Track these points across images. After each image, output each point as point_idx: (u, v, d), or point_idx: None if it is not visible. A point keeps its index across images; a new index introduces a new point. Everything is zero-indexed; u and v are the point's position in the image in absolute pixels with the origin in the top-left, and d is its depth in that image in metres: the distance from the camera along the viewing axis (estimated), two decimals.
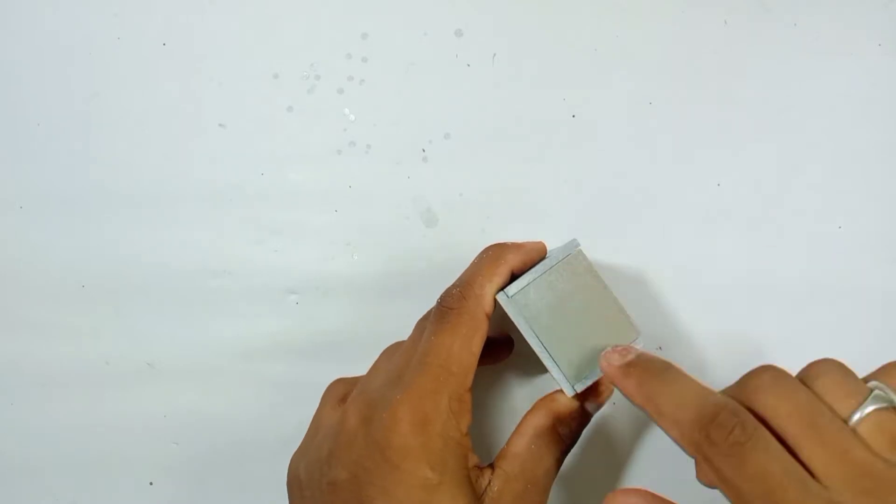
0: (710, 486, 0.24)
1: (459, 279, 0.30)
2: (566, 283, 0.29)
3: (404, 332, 0.32)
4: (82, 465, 0.37)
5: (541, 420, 0.30)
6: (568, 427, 0.30)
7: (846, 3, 0.38)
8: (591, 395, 0.31)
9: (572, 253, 0.29)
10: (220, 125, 0.37)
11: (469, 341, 0.28)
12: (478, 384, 0.33)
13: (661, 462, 0.38)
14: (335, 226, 0.37)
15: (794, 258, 0.37)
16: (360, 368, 0.33)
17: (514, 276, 0.30)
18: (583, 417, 0.31)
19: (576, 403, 0.30)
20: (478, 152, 0.37)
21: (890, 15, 0.38)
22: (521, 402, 0.38)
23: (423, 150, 0.37)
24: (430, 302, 0.31)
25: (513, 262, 0.30)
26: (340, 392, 0.32)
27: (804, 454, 0.22)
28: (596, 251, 0.37)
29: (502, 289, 0.29)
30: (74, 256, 0.37)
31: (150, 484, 0.38)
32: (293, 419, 0.36)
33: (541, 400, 0.31)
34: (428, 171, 0.37)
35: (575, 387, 0.29)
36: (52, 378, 0.37)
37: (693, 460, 0.25)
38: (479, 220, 0.37)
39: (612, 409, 0.37)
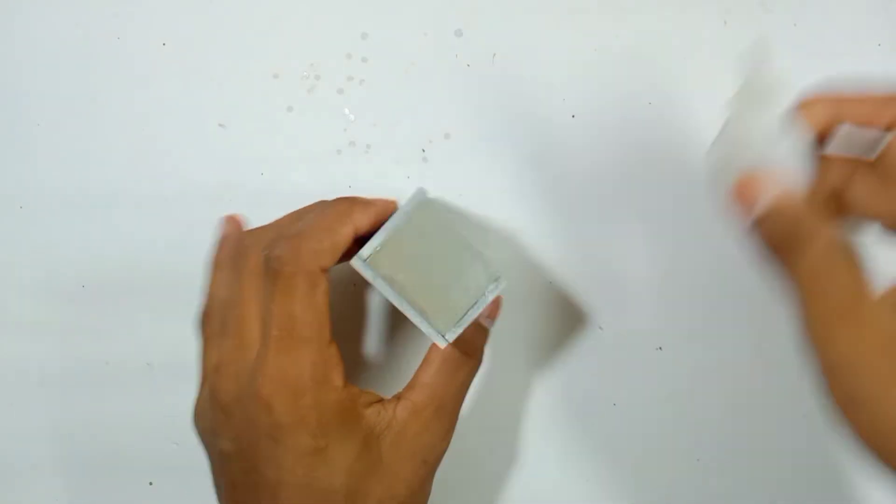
0: None
1: (295, 228, 0.27)
2: (420, 235, 0.27)
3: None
4: (82, 465, 0.37)
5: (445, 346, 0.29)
6: (471, 345, 0.30)
7: (846, 3, 0.38)
8: (486, 312, 0.30)
9: (422, 202, 0.28)
10: (220, 125, 0.37)
11: (311, 300, 0.26)
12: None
13: (660, 462, 0.38)
14: None
15: None
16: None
17: (361, 237, 0.28)
18: (483, 334, 0.31)
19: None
20: (478, 152, 0.37)
21: (890, 15, 0.38)
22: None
23: (423, 150, 0.37)
24: None
25: (359, 221, 0.28)
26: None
27: None
28: (596, 251, 0.37)
29: (350, 249, 0.28)
30: (74, 256, 0.37)
31: (150, 484, 0.38)
32: None
33: None
34: (428, 171, 0.37)
35: (446, 336, 0.28)
36: (52, 378, 0.37)
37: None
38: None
39: (613, 409, 0.37)
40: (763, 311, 0.37)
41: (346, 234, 0.27)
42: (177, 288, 0.37)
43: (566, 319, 0.37)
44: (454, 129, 0.37)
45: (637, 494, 0.38)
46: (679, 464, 0.38)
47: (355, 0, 0.37)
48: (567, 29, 0.37)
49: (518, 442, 0.38)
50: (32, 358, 0.37)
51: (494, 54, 0.37)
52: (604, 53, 0.37)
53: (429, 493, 0.30)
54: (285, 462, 0.26)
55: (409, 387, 0.29)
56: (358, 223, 0.28)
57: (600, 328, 0.37)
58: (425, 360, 0.30)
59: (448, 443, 0.30)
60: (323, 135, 0.37)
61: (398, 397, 0.29)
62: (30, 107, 0.37)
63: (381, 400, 0.29)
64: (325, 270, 0.27)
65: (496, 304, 0.31)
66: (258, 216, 0.37)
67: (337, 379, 0.27)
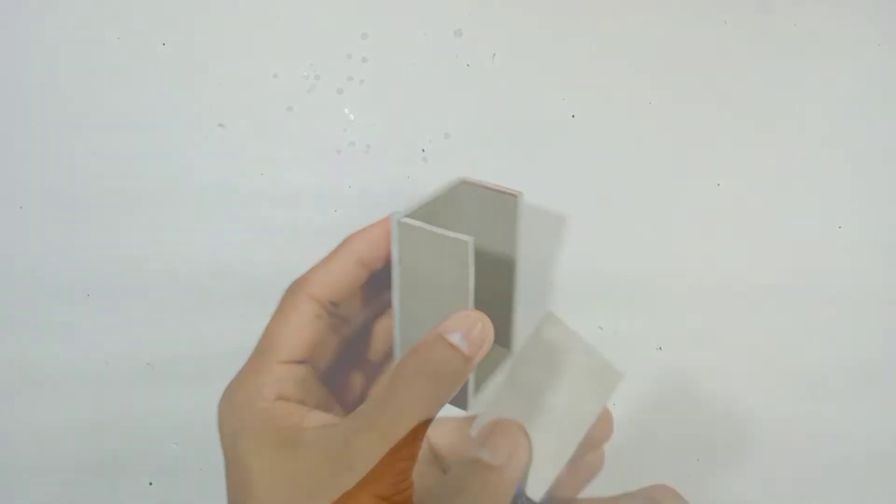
0: None
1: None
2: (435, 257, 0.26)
3: None
4: (82, 465, 0.37)
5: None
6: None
7: (846, 3, 0.38)
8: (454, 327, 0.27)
9: (469, 241, 0.25)
10: (220, 125, 0.37)
11: (283, 318, 0.28)
12: None
13: (661, 462, 0.38)
14: (335, 226, 0.37)
15: (794, 258, 0.37)
16: None
17: (370, 267, 0.28)
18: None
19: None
20: (478, 152, 0.37)
21: (890, 15, 0.38)
22: None
23: (423, 150, 0.37)
24: None
25: (358, 246, 0.28)
26: None
27: None
28: (596, 251, 0.37)
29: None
30: (75, 257, 0.37)
31: (150, 484, 0.38)
32: None
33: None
34: (428, 171, 0.37)
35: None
36: (52, 378, 0.37)
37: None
38: None
39: (613, 409, 0.37)
40: (762, 311, 0.37)
41: (343, 262, 0.28)
42: (177, 288, 0.37)
43: (566, 319, 0.37)
44: (454, 129, 0.37)
45: None
46: (679, 464, 0.38)
47: (355, 0, 0.37)
48: (567, 29, 0.37)
49: None
50: (32, 358, 0.37)
51: (494, 54, 0.37)
52: (604, 53, 0.37)
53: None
54: (223, 446, 0.27)
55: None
56: (357, 248, 0.28)
57: (600, 328, 0.37)
58: (387, 371, 0.30)
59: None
60: (323, 135, 0.37)
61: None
62: (30, 107, 0.37)
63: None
64: (314, 297, 0.28)
65: (480, 340, 0.26)
66: (258, 216, 0.37)
67: (268, 393, 0.27)
